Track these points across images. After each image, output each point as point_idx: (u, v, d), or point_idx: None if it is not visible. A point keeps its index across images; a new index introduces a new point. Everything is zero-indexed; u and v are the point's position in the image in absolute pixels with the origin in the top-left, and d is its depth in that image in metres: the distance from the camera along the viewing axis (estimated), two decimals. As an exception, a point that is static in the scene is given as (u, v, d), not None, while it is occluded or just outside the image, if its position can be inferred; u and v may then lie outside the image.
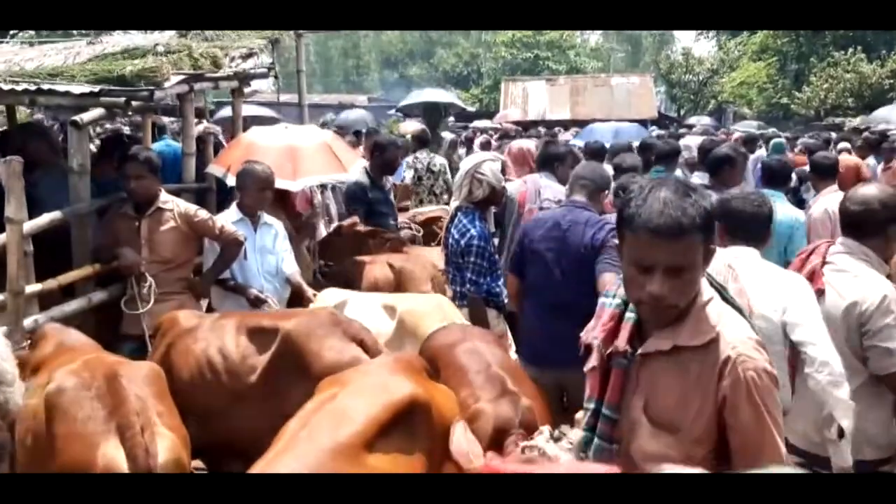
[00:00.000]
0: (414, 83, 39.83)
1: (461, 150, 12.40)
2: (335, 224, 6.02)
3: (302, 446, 2.00)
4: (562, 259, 3.57)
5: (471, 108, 23.64)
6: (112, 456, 2.29)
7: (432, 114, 14.77)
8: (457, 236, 4.05)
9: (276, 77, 7.01)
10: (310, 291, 4.46)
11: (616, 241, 1.87)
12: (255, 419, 3.00)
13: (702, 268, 1.77)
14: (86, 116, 4.00)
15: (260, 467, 1.97)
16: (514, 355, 3.72)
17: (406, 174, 7.79)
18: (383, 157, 6.01)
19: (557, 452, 2.09)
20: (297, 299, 4.58)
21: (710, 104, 30.44)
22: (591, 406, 1.90)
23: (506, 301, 4.09)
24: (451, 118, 18.52)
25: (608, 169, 5.52)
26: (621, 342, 1.82)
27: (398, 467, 2.10)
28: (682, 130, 15.95)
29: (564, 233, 3.61)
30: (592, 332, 1.93)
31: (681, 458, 1.68)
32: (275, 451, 2.03)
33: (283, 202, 5.24)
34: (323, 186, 6.22)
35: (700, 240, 1.70)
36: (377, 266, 4.85)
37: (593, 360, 1.91)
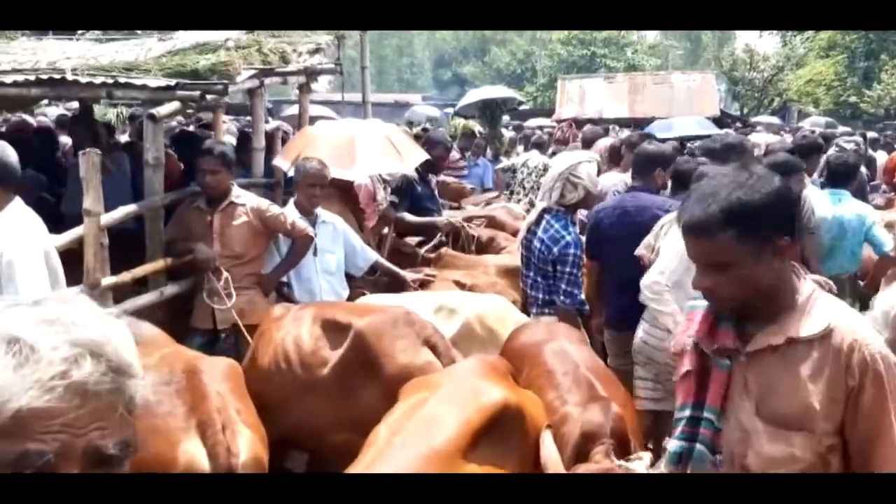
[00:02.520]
0: (468, 82, 39.73)
1: (519, 148, 12.29)
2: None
3: (397, 453, 1.92)
4: (633, 241, 3.83)
5: (525, 106, 23.37)
6: (193, 453, 2.24)
7: (490, 111, 14.60)
8: (548, 242, 3.82)
9: (340, 73, 7.02)
10: (404, 273, 4.43)
11: None
12: (323, 413, 2.96)
13: (763, 262, 1.63)
14: (162, 110, 4.01)
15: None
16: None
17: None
18: (430, 154, 5.98)
19: None
20: (395, 286, 4.57)
21: (773, 102, 29.54)
22: (685, 414, 1.76)
23: (587, 308, 3.97)
24: (507, 116, 18.33)
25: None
26: (728, 340, 1.70)
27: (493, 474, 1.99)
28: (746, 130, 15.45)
29: (634, 217, 4.01)
30: (683, 337, 1.82)
31: (811, 457, 1.60)
32: (369, 458, 1.95)
33: (347, 196, 5.22)
34: (385, 182, 6.22)
35: (733, 235, 1.60)
36: (443, 283, 4.65)
37: (687, 365, 1.78)
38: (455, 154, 8.53)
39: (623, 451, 2.34)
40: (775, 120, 20.96)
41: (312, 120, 6.70)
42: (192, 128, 9.53)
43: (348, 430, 2.72)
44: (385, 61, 51.53)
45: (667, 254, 3.49)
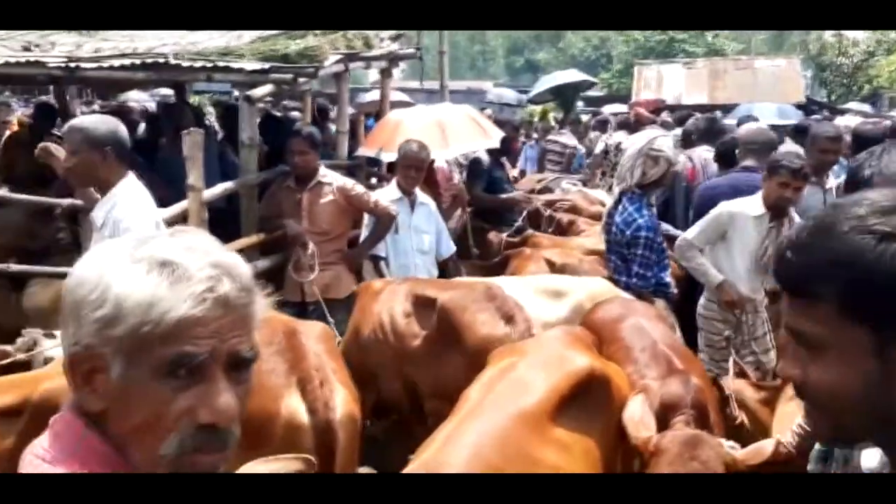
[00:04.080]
0: (541, 68, 39.34)
1: (592, 134, 12.24)
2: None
3: (488, 412, 2.03)
4: None
5: (600, 93, 23.03)
6: (295, 408, 2.41)
7: (565, 95, 14.51)
8: (622, 225, 3.85)
9: (420, 59, 7.16)
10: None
11: None
12: (416, 382, 3.13)
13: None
14: (257, 92, 4.22)
15: (447, 431, 2.02)
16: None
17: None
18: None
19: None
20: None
21: (863, 89, 28.16)
22: None
23: (675, 291, 3.98)
24: (580, 103, 18.15)
25: None
26: None
27: (579, 439, 2.09)
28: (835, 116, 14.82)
29: (746, 196, 3.94)
30: None
31: None
32: (461, 416, 2.06)
33: (427, 179, 5.37)
34: (460, 165, 6.37)
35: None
36: (533, 263, 4.77)
37: None
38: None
39: (703, 423, 2.36)
40: (866, 107, 19.99)
41: (392, 106, 6.90)
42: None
43: (438, 397, 2.87)
44: (457, 48, 51.50)
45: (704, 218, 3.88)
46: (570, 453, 2.05)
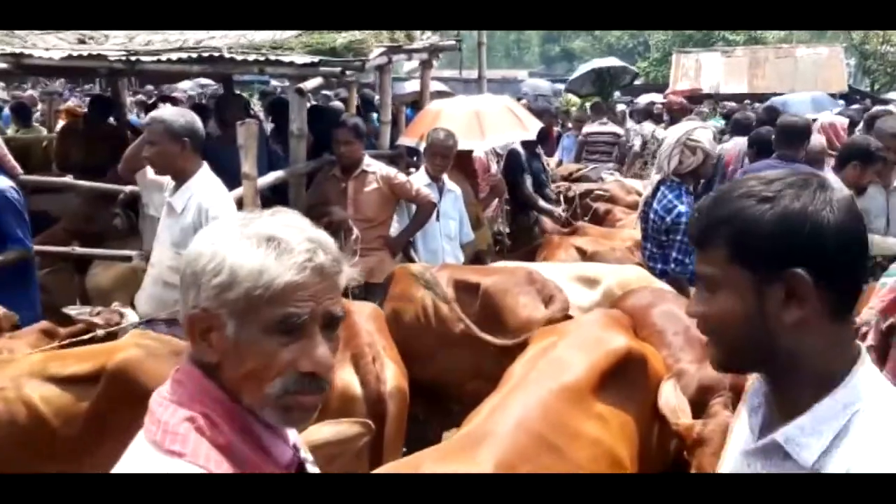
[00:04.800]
0: (576, 57, 39.06)
1: (629, 123, 12.24)
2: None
3: (532, 387, 2.17)
4: None
5: (637, 81, 22.83)
6: (348, 381, 2.60)
7: (602, 83, 14.49)
8: (661, 212, 3.90)
9: (460, 49, 7.29)
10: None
11: None
12: (460, 365, 3.28)
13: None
14: (307, 84, 4.40)
15: (493, 403, 2.17)
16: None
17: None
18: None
19: None
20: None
21: (909, 78, 27.46)
22: None
23: None
24: (617, 93, 18.06)
25: None
26: None
27: (617, 414, 2.22)
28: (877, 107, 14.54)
29: None
30: (865, 315, 1.82)
31: None
32: (506, 390, 2.21)
33: (466, 168, 5.51)
34: (498, 155, 6.48)
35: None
36: (563, 251, 4.88)
37: (869, 340, 1.81)
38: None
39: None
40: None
41: (433, 96, 7.04)
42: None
43: (480, 378, 3.02)
44: (493, 37, 51.21)
45: None
46: (608, 427, 2.18)
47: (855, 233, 1.07)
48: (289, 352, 1.08)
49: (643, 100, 18.99)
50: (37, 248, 4.09)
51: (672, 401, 2.26)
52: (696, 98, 18.07)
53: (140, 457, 1.07)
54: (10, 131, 8.63)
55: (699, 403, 2.41)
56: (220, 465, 1.05)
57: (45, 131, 8.71)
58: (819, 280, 1.04)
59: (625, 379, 2.33)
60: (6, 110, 10.18)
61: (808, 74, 20.36)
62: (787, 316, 1.06)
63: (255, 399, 1.10)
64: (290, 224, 1.13)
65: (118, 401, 2.28)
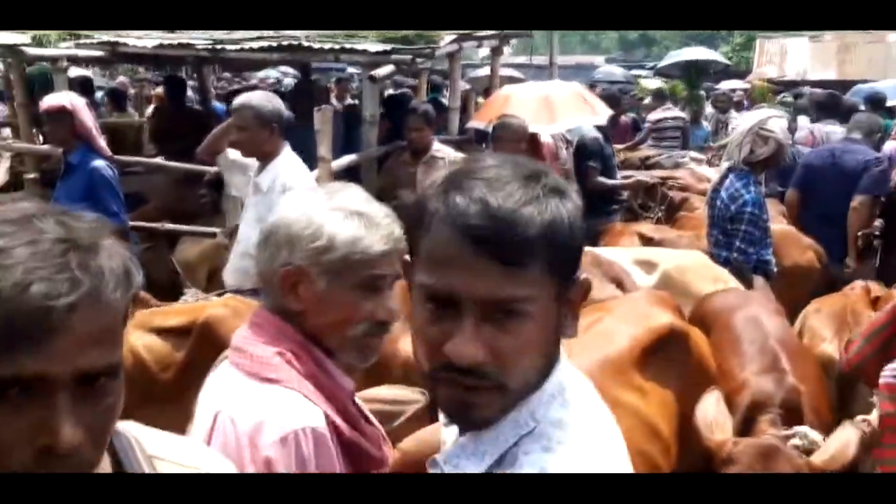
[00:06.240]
0: (656, 42, 38.09)
1: (709, 111, 12.02)
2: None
3: (575, 357, 2.26)
4: (836, 181, 4.71)
5: (717, 68, 22.21)
6: (410, 350, 2.78)
7: (690, 72, 14.21)
8: (727, 200, 3.85)
9: (530, 35, 7.37)
10: None
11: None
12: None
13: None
14: (380, 72, 4.61)
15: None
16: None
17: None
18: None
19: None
20: None
21: None
22: None
23: (774, 269, 3.99)
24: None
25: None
26: None
27: (656, 388, 2.33)
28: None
29: (837, 160, 4.79)
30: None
31: None
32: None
33: (534, 152, 5.61)
34: (567, 142, 6.53)
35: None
36: (626, 237, 4.79)
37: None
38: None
39: (793, 423, 2.25)
40: None
41: (503, 82, 7.15)
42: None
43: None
44: (570, 22, 50.32)
45: None
46: (647, 399, 2.29)
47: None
48: (370, 304, 1.34)
49: (724, 86, 18.49)
50: (131, 223, 4.45)
51: (709, 415, 2.14)
52: (782, 84, 17.43)
53: (238, 386, 1.30)
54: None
55: (749, 420, 2.33)
56: (307, 389, 1.29)
57: (136, 116, 9.27)
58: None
59: (666, 355, 2.42)
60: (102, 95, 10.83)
61: (901, 60, 19.32)
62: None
63: (338, 341, 1.34)
64: (369, 199, 1.38)
65: (204, 351, 2.54)
